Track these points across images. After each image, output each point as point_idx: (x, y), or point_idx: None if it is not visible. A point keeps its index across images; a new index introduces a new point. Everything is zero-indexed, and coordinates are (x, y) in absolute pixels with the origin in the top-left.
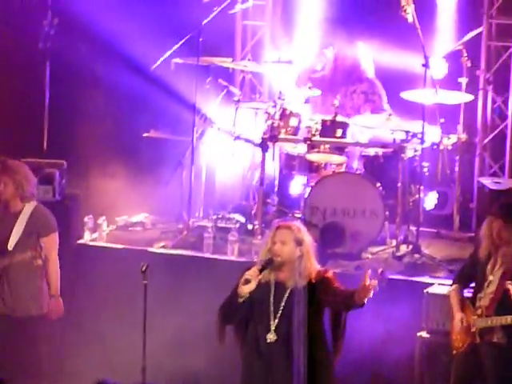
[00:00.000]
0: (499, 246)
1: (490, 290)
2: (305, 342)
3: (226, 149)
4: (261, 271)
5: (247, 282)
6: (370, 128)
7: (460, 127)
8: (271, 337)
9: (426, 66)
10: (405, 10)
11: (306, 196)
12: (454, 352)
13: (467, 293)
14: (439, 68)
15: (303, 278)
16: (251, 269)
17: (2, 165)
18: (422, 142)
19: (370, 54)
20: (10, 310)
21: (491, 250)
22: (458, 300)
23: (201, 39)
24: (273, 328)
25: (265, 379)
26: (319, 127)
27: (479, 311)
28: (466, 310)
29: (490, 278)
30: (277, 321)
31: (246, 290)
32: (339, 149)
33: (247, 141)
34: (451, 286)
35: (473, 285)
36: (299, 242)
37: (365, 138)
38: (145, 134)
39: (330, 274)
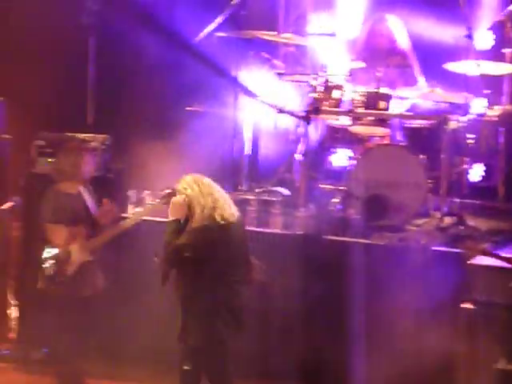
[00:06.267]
0: None
1: None
2: None
3: (270, 121)
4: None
5: None
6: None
7: (504, 98)
8: None
9: (469, 37)
10: None
11: (349, 168)
12: None
13: None
14: (484, 39)
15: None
16: None
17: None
18: (466, 113)
19: (403, 26)
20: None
21: None
22: None
23: (243, 12)
24: None
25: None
26: (362, 99)
27: None
28: None
29: None
30: None
31: None
32: (382, 121)
33: (290, 113)
34: None
35: None
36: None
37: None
38: (188, 108)
39: None
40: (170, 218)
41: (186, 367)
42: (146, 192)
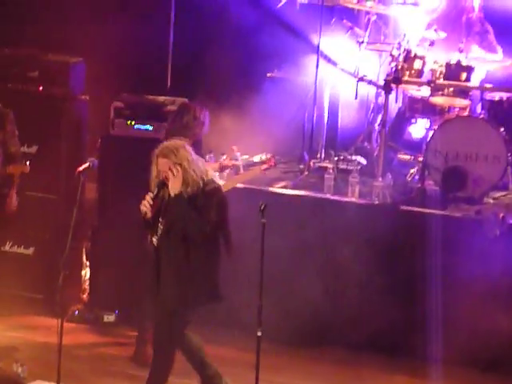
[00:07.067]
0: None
1: None
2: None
3: (350, 90)
4: (157, 194)
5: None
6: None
7: None
8: (155, 240)
9: None
10: None
11: (428, 139)
12: None
13: None
14: None
15: (186, 186)
16: (147, 197)
17: None
18: None
19: None
20: None
21: None
22: None
23: None
24: (159, 232)
25: (154, 280)
26: (443, 70)
27: None
28: None
29: None
30: (162, 226)
31: (146, 216)
32: (463, 92)
33: (370, 83)
34: None
35: None
36: (177, 163)
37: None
38: (268, 74)
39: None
40: (176, 191)
41: (259, 333)
42: (224, 157)
